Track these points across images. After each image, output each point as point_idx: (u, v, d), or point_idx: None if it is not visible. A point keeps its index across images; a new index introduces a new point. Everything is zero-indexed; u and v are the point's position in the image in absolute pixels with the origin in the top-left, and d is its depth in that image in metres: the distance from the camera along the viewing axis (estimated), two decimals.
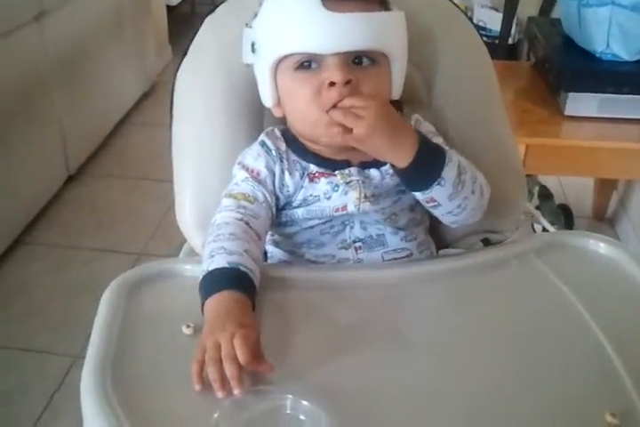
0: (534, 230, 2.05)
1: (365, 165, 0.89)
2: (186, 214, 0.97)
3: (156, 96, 2.91)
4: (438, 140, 0.91)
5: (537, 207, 2.03)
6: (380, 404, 0.65)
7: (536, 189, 2.06)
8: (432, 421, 0.64)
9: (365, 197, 0.87)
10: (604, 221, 2.20)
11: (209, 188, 0.95)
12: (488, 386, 0.68)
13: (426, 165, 0.82)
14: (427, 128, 0.93)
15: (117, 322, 0.75)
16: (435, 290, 0.83)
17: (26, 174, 2.05)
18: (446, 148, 0.87)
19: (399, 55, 0.87)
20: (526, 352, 0.73)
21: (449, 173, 0.83)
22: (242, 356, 0.64)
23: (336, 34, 0.81)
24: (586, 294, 0.80)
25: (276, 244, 0.93)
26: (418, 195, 0.85)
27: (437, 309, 0.82)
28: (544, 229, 2.00)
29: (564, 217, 2.07)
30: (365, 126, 0.78)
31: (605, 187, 2.17)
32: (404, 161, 0.81)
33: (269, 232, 0.91)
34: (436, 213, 0.88)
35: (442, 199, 0.84)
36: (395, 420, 0.63)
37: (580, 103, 1.66)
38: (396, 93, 0.90)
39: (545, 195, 2.07)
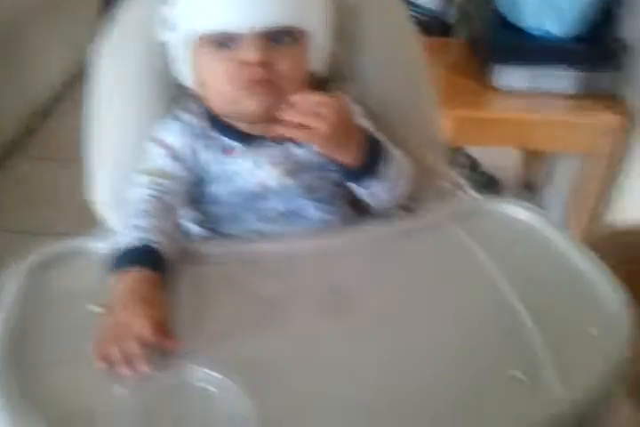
0: None
1: (286, 140, 0.88)
2: (101, 193, 0.95)
3: (87, 75, 2.79)
4: (366, 124, 0.91)
5: (465, 178, 2.05)
6: (294, 375, 0.65)
7: (464, 159, 2.09)
8: (347, 388, 0.64)
9: (286, 171, 0.86)
10: (530, 190, 2.25)
11: (124, 163, 0.92)
12: (401, 349, 0.69)
13: (371, 163, 0.84)
14: (356, 110, 0.92)
15: (22, 302, 0.73)
16: (354, 259, 0.83)
17: None
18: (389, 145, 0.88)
19: (321, 31, 0.86)
20: (441, 314, 0.74)
21: (390, 168, 0.85)
22: (145, 334, 0.63)
23: (251, 10, 0.79)
24: (502, 258, 0.82)
25: (196, 221, 0.91)
26: (355, 186, 0.86)
27: (357, 278, 0.82)
28: None
29: (492, 187, 2.11)
30: (328, 124, 0.78)
31: (532, 157, 2.22)
32: (352, 159, 0.82)
33: (188, 210, 0.90)
34: (367, 199, 0.89)
35: (378, 191, 0.87)
36: (308, 390, 0.63)
37: (510, 76, 1.68)
38: (320, 70, 0.90)
39: (473, 166, 2.10)
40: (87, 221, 0.98)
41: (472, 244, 0.84)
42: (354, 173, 0.84)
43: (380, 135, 0.92)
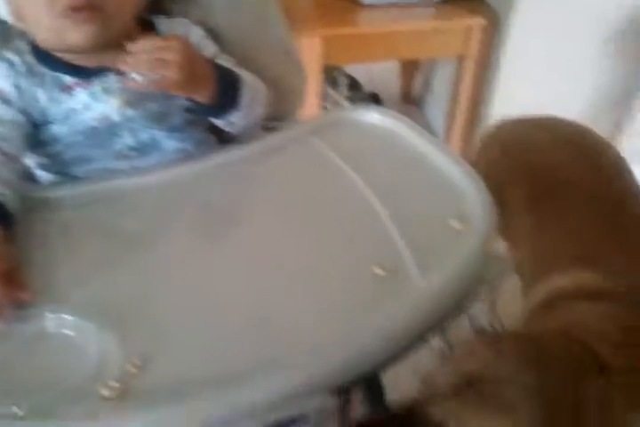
0: None
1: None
2: None
3: None
4: (210, 46, 0.88)
5: (348, 98, 2.05)
6: (156, 307, 0.63)
7: (344, 80, 2.08)
8: (207, 304, 0.64)
9: (127, 102, 0.81)
10: (411, 103, 2.27)
11: None
12: (262, 259, 0.69)
13: (226, 96, 0.81)
14: (197, 33, 0.89)
15: None
16: (216, 184, 0.81)
17: None
18: (239, 71, 0.85)
19: None
20: (305, 223, 0.74)
21: (245, 97, 0.83)
22: None
23: None
24: (362, 164, 0.81)
25: (44, 166, 0.85)
26: (216, 120, 0.85)
27: (221, 202, 0.80)
28: None
29: (375, 105, 2.10)
30: (176, 69, 0.74)
31: (409, 69, 2.22)
32: (207, 96, 0.80)
33: (33, 155, 0.84)
34: (225, 128, 0.87)
35: (237, 120, 0.85)
36: (170, 320, 0.62)
37: None
38: None
39: (353, 85, 2.09)
40: None
41: (332, 154, 0.83)
42: (211, 109, 0.82)
43: (229, 60, 0.89)
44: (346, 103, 1.93)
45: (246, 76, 0.85)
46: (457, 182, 0.77)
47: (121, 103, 0.81)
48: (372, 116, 0.90)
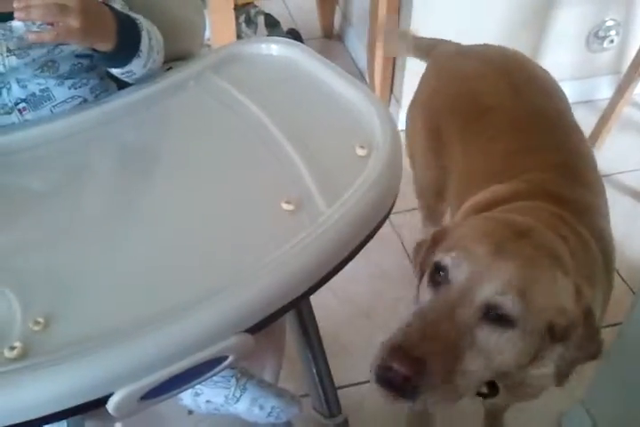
0: None
1: (4, 17, 0.77)
2: None
3: None
4: None
5: (265, 36, 1.99)
6: (55, 258, 0.61)
7: (261, 18, 2.01)
8: (110, 257, 0.62)
9: (9, 50, 0.76)
10: (333, 38, 2.22)
11: None
12: (169, 203, 0.67)
13: (127, 43, 0.78)
14: None
15: None
16: (113, 130, 0.78)
17: None
18: (136, 16, 0.81)
19: None
20: (208, 161, 0.72)
21: (144, 44, 0.79)
22: None
23: None
24: (261, 95, 0.79)
25: None
26: (115, 70, 0.81)
27: (126, 146, 0.78)
28: None
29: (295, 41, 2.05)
30: (77, 16, 0.69)
31: (326, 3, 2.17)
32: (108, 44, 0.75)
33: None
34: (122, 77, 0.83)
35: (136, 68, 0.81)
36: (70, 269, 0.60)
37: None
38: None
39: (271, 23, 2.03)
40: None
41: (232, 89, 0.80)
42: (111, 57, 0.78)
43: (121, 3, 0.84)
44: None
45: (143, 21, 0.81)
46: (360, 109, 0.75)
47: (2, 51, 0.76)
48: (270, 47, 0.87)
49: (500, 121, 1.05)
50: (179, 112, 0.80)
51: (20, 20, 0.69)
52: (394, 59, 1.80)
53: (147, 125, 0.79)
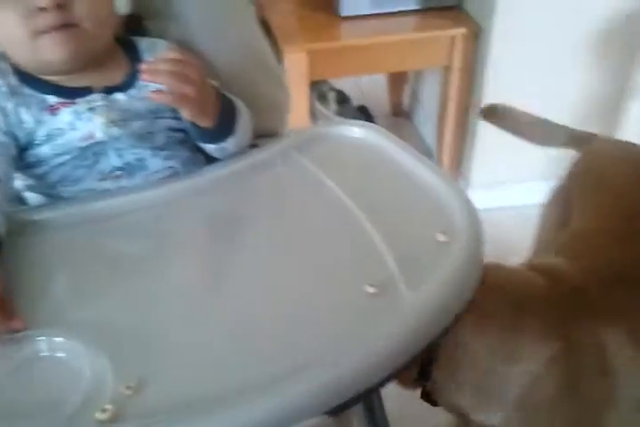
0: None
1: (109, 90, 0.84)
2: None
3: None
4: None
5: (338, 113, 2.06)
6: (148, 324, 0.63)
7: (332, 94, 2.09)
8: (201, 327, 0.63)
9: (112, 121, 0.82)
10: (401, 116, 2.28)
11: None
12: (255, 281, 0.69)
13: (226, 122, 0.83)
14: (166, 47, 0.89)
15: None
16: (203, 202, 0.81)
17: None
18: (233, 98, 0.86)
19: None
20: (292, 241, 0.74)
21: (240, 124, 0.84)
22: None
23: None
24: (344, 178, 0.82)
25: (31, 188, 0.86)
26: (209, 145, 0.85)
27: (207, 220, 0.81)
28: None
29: (364, 118, 2.12)
30: (196, 87, 0.75)
31: (396, 82, 2.24)
32: (210, 121, 0.80)
33: (22, 177, 0.84)
34: (214, 154, 0.88)
35: (229, 146, 0.86)
36: (162, 336, 0.62)
37: (354, 2, 1.68)
38: (123, 7, 0.86)
39: (342, 99, 2.10)
40: None
41: (317, 170, 0.83)
42: (208, 135, 0.83)
43: (214, 83, 0.90)
44: (336, 118, 1.95)
45: (239, 103, 0.86)
46: (442, 196, 0.77)
47: (105, 121, 0.81)
48: (355, 131, 0.90)
49: (615, 202, 1.03)
50: (265, 189, 0.84)
51: (145, 81, 0.74)
52: (463, 137, 1.83)
53: (234, 200, 0.82)
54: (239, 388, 0.55)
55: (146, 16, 0.95)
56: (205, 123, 0.80)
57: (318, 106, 1.98)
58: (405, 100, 2.28)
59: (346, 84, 2.26)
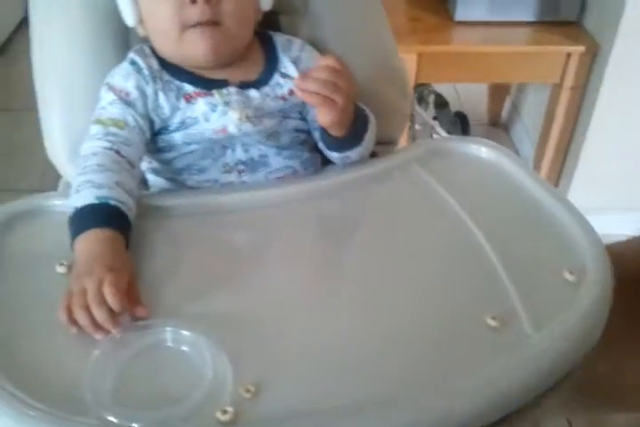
0: None
1: (244, 85, 0.85)
2: (56, 144, 0.91)
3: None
4: (315, 63, 0.86)
5: (434, 117, 2.03)
6: (269, 327, 0.64)
7: (432, 98, 2.06)
8: (320, 336, 0.63)
9: (247, 117, 0.83)
10: (499, 126, 2.24)
11: (77, 112, 0.88)
12: (374, 295, 0.68)
13: (356, 133, 0.83)
14: (310, 54, 0.90)
15: None
16: (321, 207, 0.81)
17: None
18: (365, 109, 0.85)
19: None
20: (411, 259, 0.73)
21: (367, 135, 0.84)
22: (112, 303, 0.60)
23: None
24: (467, 198, 0.80)
25: (156, 171, 0.88)
26: (333, 153, 0.85)
27: (325, 225, 0.81)
28: None
29: (461, 125, 2.09)
30: (344, 96, 0.75)
31: (498, 92, 2.19)
32: (342, 130, 0.80)
33: (147, 160, 0.87)
34: (336, 161, 0.88)
35: (354, 155, 0.85)
36: (284, 342, 0.62)
37: (469, 8, 1.64)
38: (266, 4, 0.87)
39: (441, 104, 2.07)
40: (56, 175, 0.95)
41: (437, 185, 0.82)
42: (336, 143, 0.83)
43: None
44: (434, 122, 1.92)
45: (369, 114, 0.86)
46: (570, 231, 0.74)
47: (240, 117, 0.82)
48: (479, 149, 0.88)
49: None
50: (383, 199, 0.83)
51: (297, 88, 0.74)
52: (564, 157, 1.79)
53: (352, 207, 0.82)
54: (355, 404, 0.55)
55: (281, 11, 0.95)
56: (336, 131, 0.80)
57: (417, 108, 1.95)
58: (505, 110, 2.23)
59: (444, 87, 2.23)
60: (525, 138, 2.04)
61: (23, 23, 2.67)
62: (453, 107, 2.13)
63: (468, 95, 2.29)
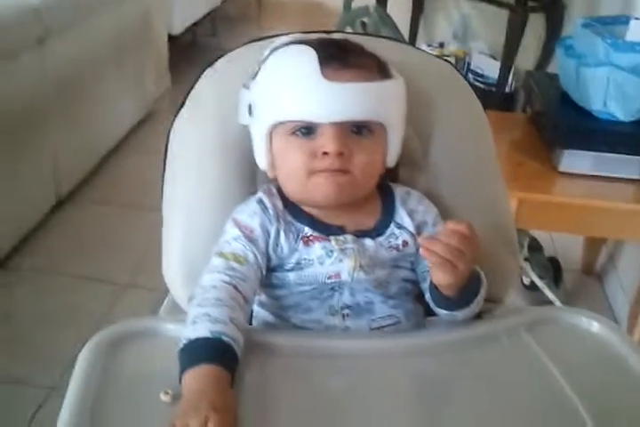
0: (523, 284, 2.04)
1: (360, 234, 0.88)
2: (172, 268, 0.95)
3: (152, 123, 2.90)
4: (431, 216, 0.91)
5: (526, 259, 2.02)
6: None
7: (526, 240, 2.06)
8: None
9: (360, 266, 0.85)
10: (592, 275, 2.19)
11: (198, 242, 0.93)
12: None
13: (467, 296, 0.83)
14: (432, 210, 0.92)
15: (94, 383, 0.73)
16: (423, 364, 0.81)
17: (13, 197, 2.00)
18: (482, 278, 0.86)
19: (397, 124, 0.87)
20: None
21: (477, 299, 0.84)
22: None
23: (334, 104, 0.81)
24: (574, 374, 0.78)
25: (262, 305, 0.90)
26: (440, 310, 0.86)
27: (425, 383, 0.81)
28: (532, 283, 1.99)
29: (553, 270, 2.06)
30: (466, 263, 0.77)
31: (595, 242, 2.17)
32: (454, 291, 0.81)
33: (257, 292, 0.89)
34: (443, 317, 0.88)
35: (460, 315, 0.86)
36: None
37: (575, 160, 1.66)
38: (392, 161, 0.91)
39: (535, 247, 2.06)
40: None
41: (544, 358, 0.81)
42: (444, 301, 0.84)
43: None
44: (526, 265, 1.91)
45: (483, 277, 0.86)
46: None
47: (354, 265, 0.84)
48: (591, 323, 0.87)
49: None
50: (486, 364, 0.82)
51: (423, 247, 0.76)
52: None
53: (453, 369, 0.81)
54: None
55: (401, 163, 0.99)
56: (448, 291, 0.81)
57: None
58: (600, 260, 2.20)
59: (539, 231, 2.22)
60: (619, 292, 1.99)
61: (139, 124, 2.87)
62: (547, 251, 2.11)
63: (563, 241, 2.27)
